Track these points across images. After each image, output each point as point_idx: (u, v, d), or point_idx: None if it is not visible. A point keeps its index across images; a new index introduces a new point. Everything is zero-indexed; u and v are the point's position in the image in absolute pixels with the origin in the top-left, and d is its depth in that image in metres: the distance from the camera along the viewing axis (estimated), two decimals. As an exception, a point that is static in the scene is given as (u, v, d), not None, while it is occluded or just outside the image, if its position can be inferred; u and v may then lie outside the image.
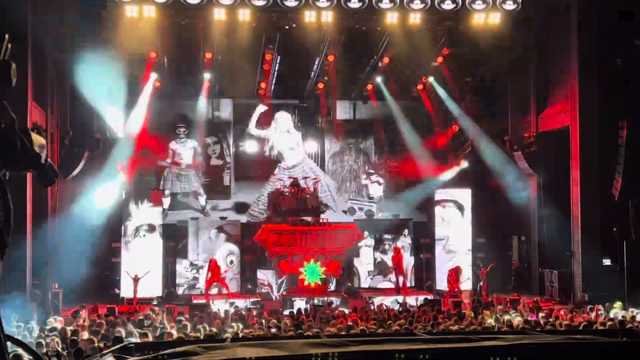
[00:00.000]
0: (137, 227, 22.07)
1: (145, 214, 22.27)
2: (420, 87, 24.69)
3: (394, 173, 26.00)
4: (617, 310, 15.29)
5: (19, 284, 17.01)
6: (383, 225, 25.26)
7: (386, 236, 24.85)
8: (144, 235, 22.10)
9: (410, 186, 25.31)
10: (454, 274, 22.20)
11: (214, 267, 21.52)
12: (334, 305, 18.73)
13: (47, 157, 2.54)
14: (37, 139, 2.50)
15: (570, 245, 21.31)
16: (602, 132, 20.46)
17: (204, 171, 25.25)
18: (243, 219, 24.81)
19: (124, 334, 11.09)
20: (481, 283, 21.66)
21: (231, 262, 23.44)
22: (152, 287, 21.43)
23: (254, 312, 16.80)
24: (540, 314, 14.88)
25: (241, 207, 25.30)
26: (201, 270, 22.98)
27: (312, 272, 21.16)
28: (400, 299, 20.56)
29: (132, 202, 22.35)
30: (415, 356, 3.80)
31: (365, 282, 24.37)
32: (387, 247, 24.72)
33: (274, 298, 22.24)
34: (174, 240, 23.50)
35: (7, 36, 2.40)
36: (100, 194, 22.17)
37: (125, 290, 21.23)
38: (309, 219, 22.52)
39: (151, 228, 22.19)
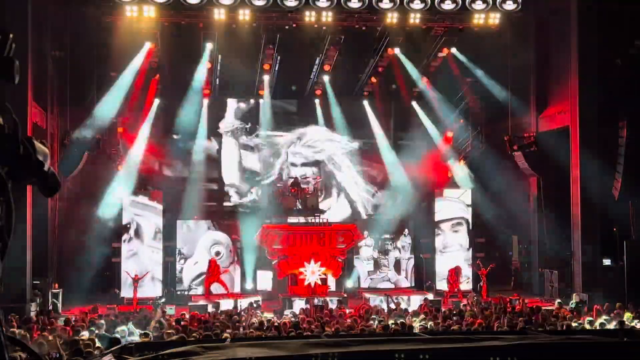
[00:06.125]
0: (138, 225, 22.01)
1: (145, 211, 22.23)
2: (420, 86, 24.68)
3: (393, 173, 25.97)
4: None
5: (19, 284, 17.01)
6: (383, 225, 25.23)
7: (386, 235, 24.83)
8: (145, 234, 22.05)
9: (410, 186, 25.26)
10: (454, 274, 22.18)
11: (213, 267, 21.50)
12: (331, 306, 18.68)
13: (50, 167, 2.53)
14: (41, 148, 2.49)
15: (570, 245, 21.30)
16: (602, 132, 20.45)
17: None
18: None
19: (127, 333, 11.11)
20: (481, 283, 21.65)
21: (217, 253, 22.96)
22: (152, 287, 21.42)
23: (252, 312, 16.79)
24: (541, 315, 14.85)
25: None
26: (188, 260, 22.81)
27: (312, 272, 21.14)
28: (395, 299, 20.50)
29: (133, 200, 22.31)
30: (415, 356, 3.80)
31: (365, 282, 24.35)
32: (387, 247, 24.70)
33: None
34: (173, 239, 23.46)
35: (11, 35, 2.40)
36: (101, 194, 22.14)
37: (125, 290, 21.22)
38: (309, 219, 22.51)
39: (152, 226, 22.14)
